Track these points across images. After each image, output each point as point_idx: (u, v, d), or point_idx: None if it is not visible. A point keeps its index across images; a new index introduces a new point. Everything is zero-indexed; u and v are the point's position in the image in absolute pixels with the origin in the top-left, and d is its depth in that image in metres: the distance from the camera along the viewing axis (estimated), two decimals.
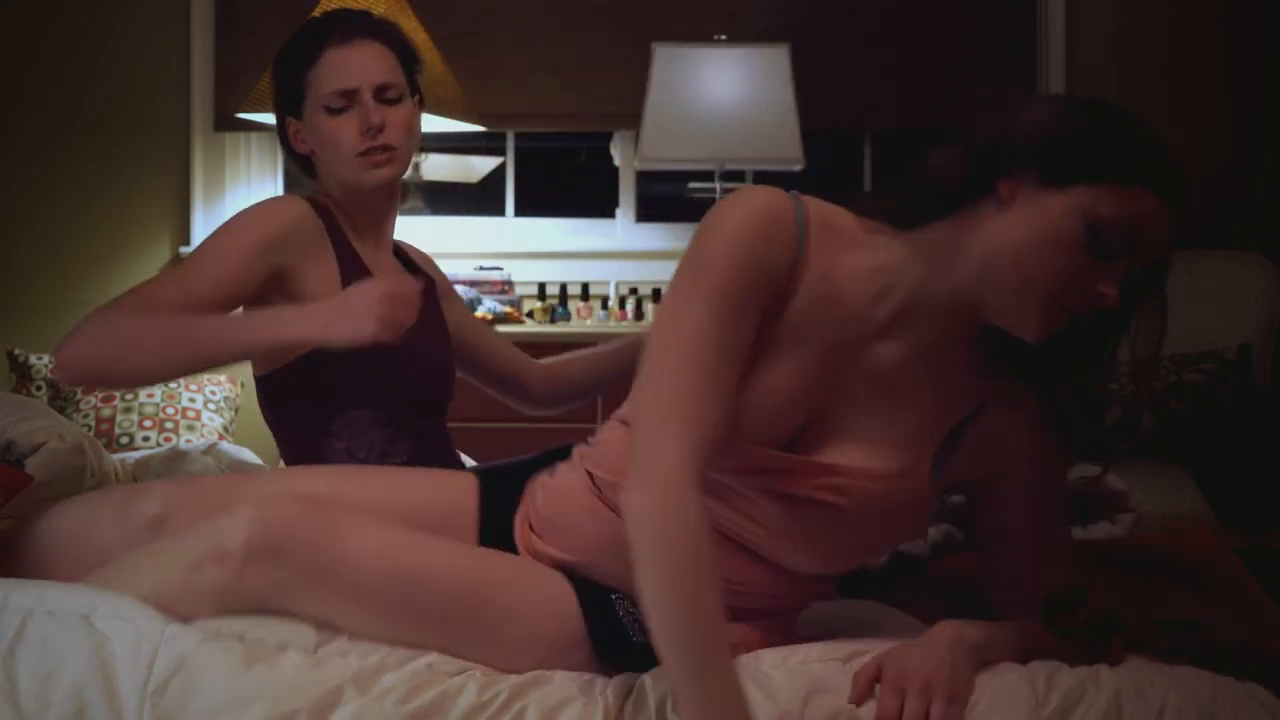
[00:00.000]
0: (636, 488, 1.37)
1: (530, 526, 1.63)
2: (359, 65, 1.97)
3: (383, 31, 2.03)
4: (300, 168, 2.10)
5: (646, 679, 1.46)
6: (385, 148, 1.96)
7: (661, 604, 1.33)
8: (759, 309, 1.44)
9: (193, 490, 1.66)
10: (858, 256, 1.47)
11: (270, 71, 2.07)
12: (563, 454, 1.70)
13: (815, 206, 1.48)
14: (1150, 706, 1.38)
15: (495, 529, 1.65)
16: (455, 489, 1.69)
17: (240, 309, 1.88)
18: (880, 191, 1.50)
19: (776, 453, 1.47)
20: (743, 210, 1.44)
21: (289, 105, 2.03)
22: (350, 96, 1.96)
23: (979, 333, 1.49)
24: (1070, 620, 1.49)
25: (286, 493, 1.54)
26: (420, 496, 1.67)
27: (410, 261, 2.14)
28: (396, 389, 1.93)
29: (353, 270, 1.95)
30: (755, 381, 1.46)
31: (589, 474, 1.60)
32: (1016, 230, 1.40)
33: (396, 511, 1.60)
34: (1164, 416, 3.32)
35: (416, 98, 2.06)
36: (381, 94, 1.97)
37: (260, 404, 2.01)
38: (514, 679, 1.46)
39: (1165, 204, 1.42)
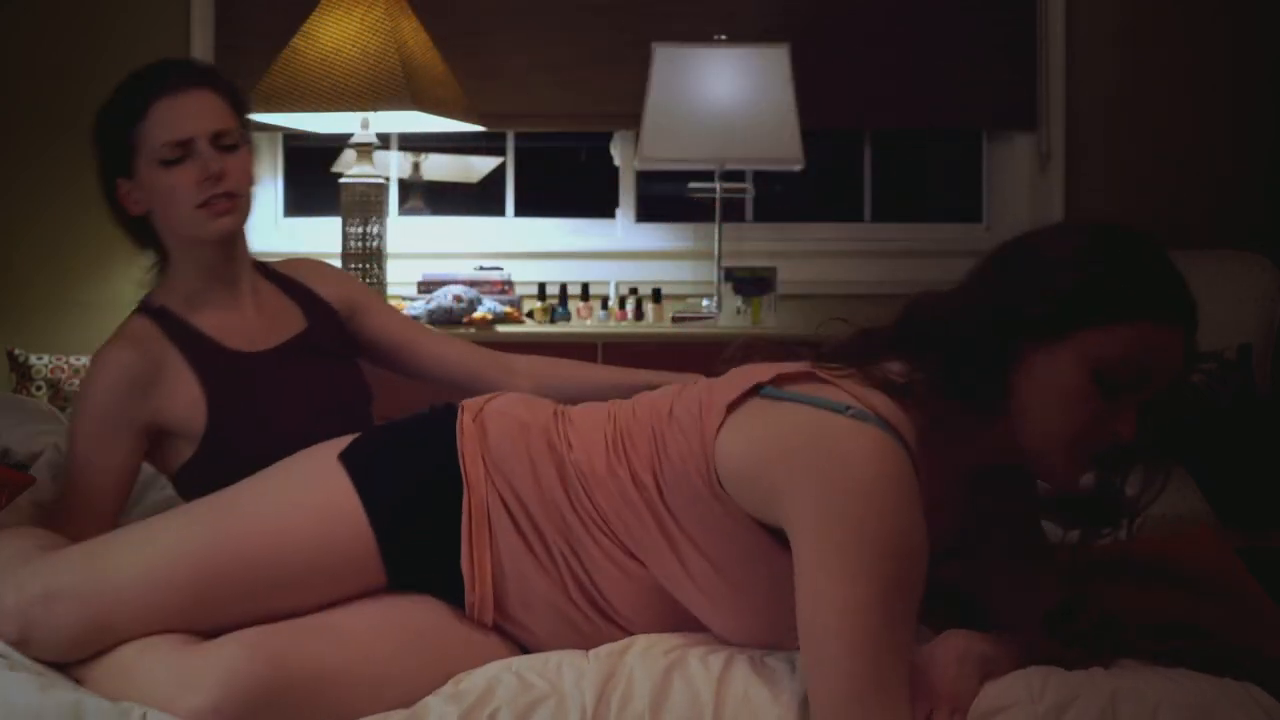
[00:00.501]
0: None
1: (499, 606, 1.54)
2: (192, 114, 1.89)
3: (213, 79, 1.95)
4: (132, 234, 1.99)
5: (634, 665, 1.43)
6: (228, 195, 1.89)
7: None
8: (925, 561, 1.38)
9: (44, 604, 1.51)
10: (935, 474, 1.44)
11: (94, 132, 1.96)
12: (432, 421, 1.63)
13: (908, 434, 1.40)
14: (1146, 706, 1.39)
15: (405, 553, 1.56)
16: (335, 509, 1.56)
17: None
18: (924, 387, 1.43)
19: None
20: (888, 482, 1.35)
21: (117, 164, 1.93)
22: (186, 146, 1.88)
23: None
24: (1072, 628, 1.49)
25: (232, 657, 1.42)
26: (301, 559, 1.54)
27: (301, 288, 2.05)
28: (298, 440, 1.80)
29: (207, 360, 1.90)
30: None
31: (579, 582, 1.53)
32: (1034, 393, 1.41)
33: (283, 583, 1.53)
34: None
35: (247, 146, 1.98)
36: (218, 141, 1.90)
37: (179, 493, 1.97)
38: (481, 682, 1.44)
39: (1171, 328, 1.40)
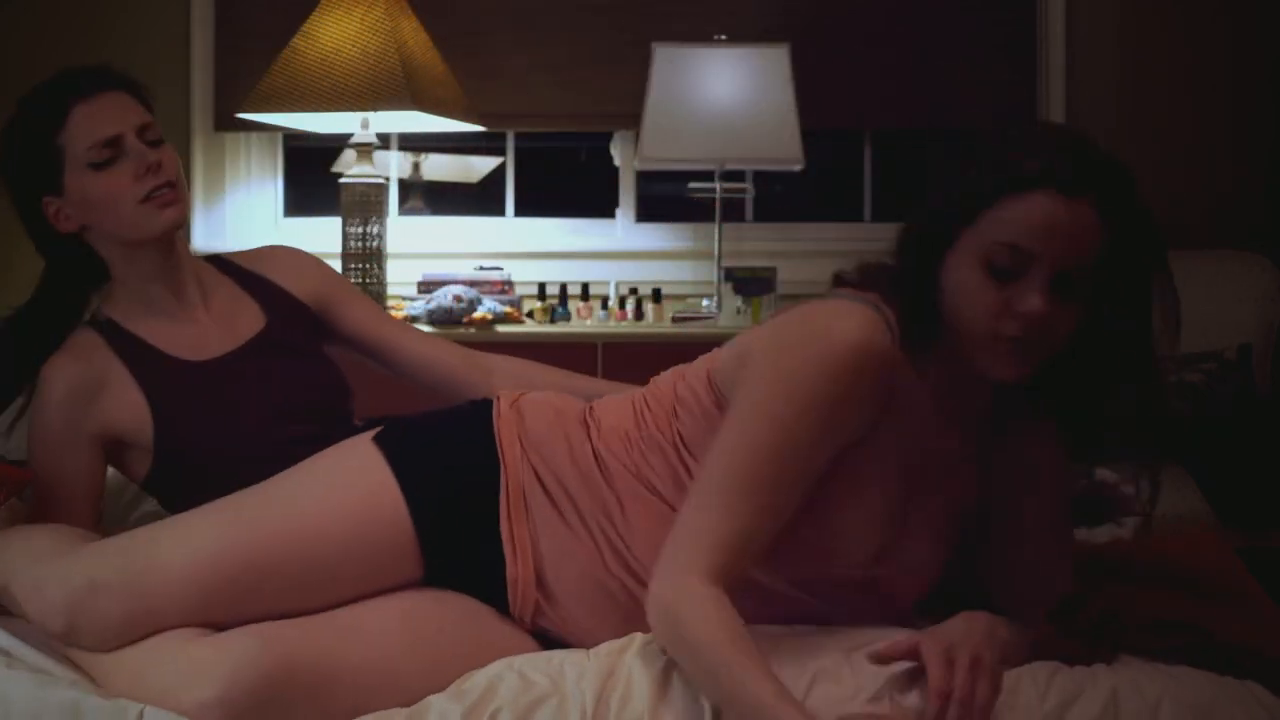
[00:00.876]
0: (656, 601, 1.41)
1: (539, 583, 1.57)
2: (114, 112, 1.85)
3: (124, 81, 1.90)
4: (53, 258, 1.91)
5: (634, 666, 1.44)
6: (169, 184, 1.85)
7: (704, 691, 1.39)
8: (839, 445, 1.45)
9: (89, 595, 1.54)
10: (914, 370, 1.49)
11: (3, 164, 1.88)
12: (468, 410, 1.69)
13: (894, 325, 1.47)
14: (1147, 703, 1.39)
15: (443, 540, 1.60)
16: (374, 497, 1.59)
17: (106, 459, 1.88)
18: (896, 298, 1.50)
19: (855, 573, 1.51)
20: (848, 350, 1.42)
21: (43, 182, 1.85)
22: (115, 145, 1.83)
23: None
24: (1072, 624, 1.49)
25: (239, 649, 1.44)
26: (342, 548, 1.57)
27: (263, 282, 2.01)
28: (262, 443, 1.85)
29: (151, 371, 1.87)
30: (842, 512, 1.49)
31: (617, 553, 1.56)
32: (951, 300, 1.45)
33: (324, 574, 1.56)
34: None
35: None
36: (144, 136, 1.86)
37: (161, 505, 1.96)
38: (484, 681, 1.45)
39: (1035, 193, 1.41)
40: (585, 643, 1.55)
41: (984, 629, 1.41)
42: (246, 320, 1.97)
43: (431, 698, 1.44)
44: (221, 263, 2.03)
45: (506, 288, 3.67)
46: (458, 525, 1.59)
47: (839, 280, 1.54)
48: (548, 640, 1.59)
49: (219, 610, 1.53)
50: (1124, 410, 1.49)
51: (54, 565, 1.58)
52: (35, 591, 1.57)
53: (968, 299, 1.43)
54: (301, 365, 1.98)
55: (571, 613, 1.56)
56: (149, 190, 1.84)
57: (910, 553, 1.55)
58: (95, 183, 1.83)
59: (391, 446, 1.64)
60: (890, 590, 1.55)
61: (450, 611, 1.56)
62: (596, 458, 1.59)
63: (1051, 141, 1.43)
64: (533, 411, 1.65)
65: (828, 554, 1.49)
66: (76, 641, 1.55)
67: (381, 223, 3.55)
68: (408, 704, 1.46)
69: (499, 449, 1.61)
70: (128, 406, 1.86)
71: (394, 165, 4.06)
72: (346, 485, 1.61)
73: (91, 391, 1.85)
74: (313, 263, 2.10)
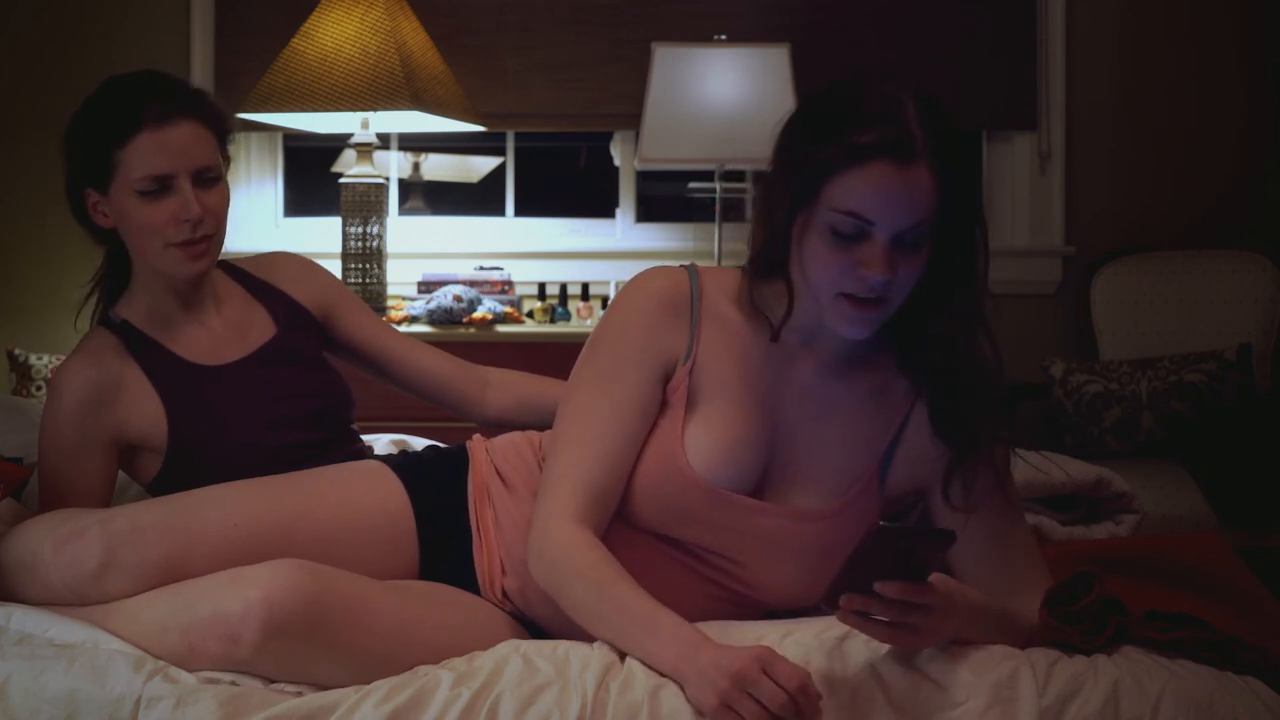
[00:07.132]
0: (531, 547, 1.57)
1: (502, 567, 1.70)
2: (177, 148, 1.81)
3: (202, 109, 1.88)
4: (98, 239, 1.93)
5: (633, 658, 1.47)
6: (206, 237, 1.84)
7: (587, 620, 1.52)
8: (651, 379, 1.60)
9: (130, 534, 1.58)
10: (749, 308, 1.62)
11: (67, 135, 1.87)
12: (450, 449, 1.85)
13: (709, 276, 1.64)
14: (1147, 698, 1.40)
15: (434, 538, 1.74)
16: (386, 505, 1.73)
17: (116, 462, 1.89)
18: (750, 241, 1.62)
19: (735, 495, 1.58)
20: (638, 294, 1.63)
21: (91, 176, 1.85)
22: (165, 182, 1.81)
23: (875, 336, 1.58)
24: (1074, 608, 1.49)
25: (283, 566, 1.52)
26: (358, 523, 1.70)
27: (272, 291, 2.02)
28: (268, 450, 1.87)
29: (167, 374, 1.88)
30: (698, 430, 1.59)
31: None
32: (800, 260, 1.53)
33: (343, 547, 1.67)
34: (1164, 416, 3.32)
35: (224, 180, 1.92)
36: (200, 176, 1.84)
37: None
38: (488, 667, 1.47)
39: (860, 166, 1.46)
40: (544, 615, 1.65)
41: (955, 599, 1.43)
42: (257, 328, 1.98)
43: (441, 673, 1.47)
44: (231, 269, 2.03)
45: (506, 288, 3.68)
46: (446, 524, 1.74)
47: None
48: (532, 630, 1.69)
49: (249, 562, 1.58)
50: (970, 357, 1.56)
51: (93, 514, 1.63)
52: (73, 536, 1.59)
53: (817, 262, 1.50)
54: (310, 374, 2.00)
55: (529, 582, 1.64)
56: (183, 239, 1.84)
57: (805, 492, 1.60)
58: (136, 208, 1.83)
59: (394, 462, 1.82)
60: (778, 532, 1.59)
61: (459, 592, 1.69)
62: (535, 456, 1.79)
63: (884, 109, 1.47)
64: (499, 439, 1.85)
65: (687, 473, 1.57)
66: (105, 584, 1.57)
67: (381, 223, 3.56)
68: (435, 660, 1.53)
69: (470, 456, 1.81)
70: (143, 410, 1.87)
71: (394, 165, 4.06)
72: (360, 477, 1.77)
73: (108, 396, 1.85)
74: (317, 270, 2.10)
